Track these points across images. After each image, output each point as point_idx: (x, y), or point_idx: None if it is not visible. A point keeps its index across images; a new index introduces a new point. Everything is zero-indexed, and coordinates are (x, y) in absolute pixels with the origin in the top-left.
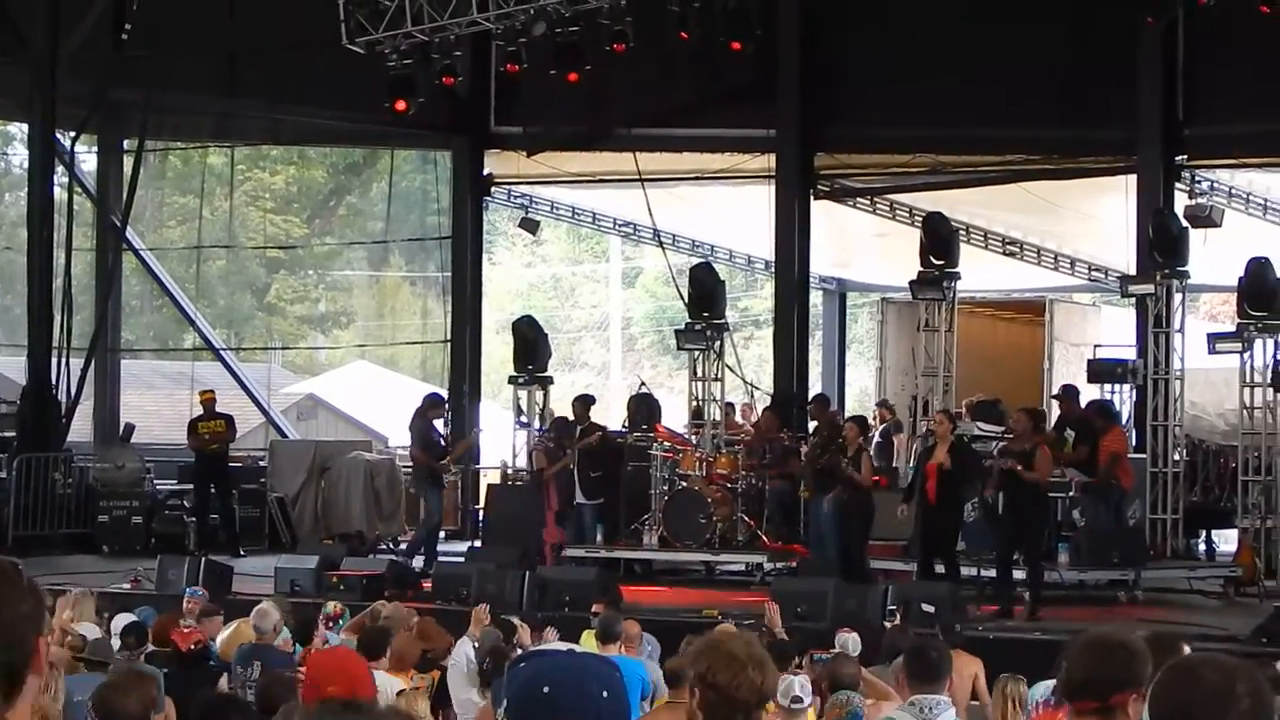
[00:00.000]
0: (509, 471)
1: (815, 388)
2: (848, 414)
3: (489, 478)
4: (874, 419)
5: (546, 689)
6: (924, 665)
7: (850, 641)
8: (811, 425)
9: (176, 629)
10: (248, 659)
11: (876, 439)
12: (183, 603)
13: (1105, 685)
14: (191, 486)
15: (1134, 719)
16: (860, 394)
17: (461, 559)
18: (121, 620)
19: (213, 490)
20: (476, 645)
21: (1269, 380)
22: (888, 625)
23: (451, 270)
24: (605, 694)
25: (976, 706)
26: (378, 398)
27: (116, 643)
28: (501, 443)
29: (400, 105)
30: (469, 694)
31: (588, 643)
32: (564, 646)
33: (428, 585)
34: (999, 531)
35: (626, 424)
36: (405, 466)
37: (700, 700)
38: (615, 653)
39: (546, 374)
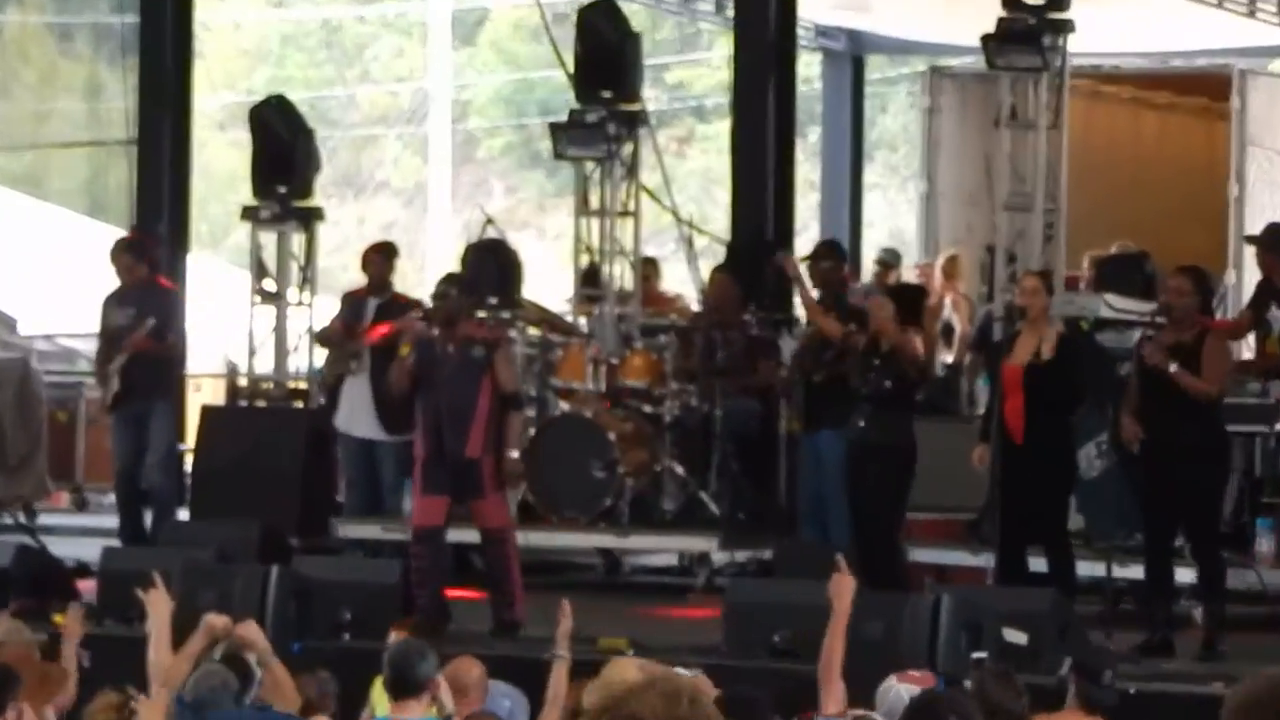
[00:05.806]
0: (238, 383)
1: (810, 232)
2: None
3: (203, 394)
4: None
5: None
6: None
7: (902, 694)
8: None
9: None
10: None
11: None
12: None
13: None
14: None
15: None
16: (891, 240)
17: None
18: None
19: None
20: None
21: None
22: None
23: (140, 15)
24: None
25: None
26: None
27: None
28: (229, 329)
29: None
30: None
31: (378, 697)
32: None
33: (91, 588)
34: (1147, 497)
35: None
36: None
37: None
38: (421, 715)
39: (312, 203)
